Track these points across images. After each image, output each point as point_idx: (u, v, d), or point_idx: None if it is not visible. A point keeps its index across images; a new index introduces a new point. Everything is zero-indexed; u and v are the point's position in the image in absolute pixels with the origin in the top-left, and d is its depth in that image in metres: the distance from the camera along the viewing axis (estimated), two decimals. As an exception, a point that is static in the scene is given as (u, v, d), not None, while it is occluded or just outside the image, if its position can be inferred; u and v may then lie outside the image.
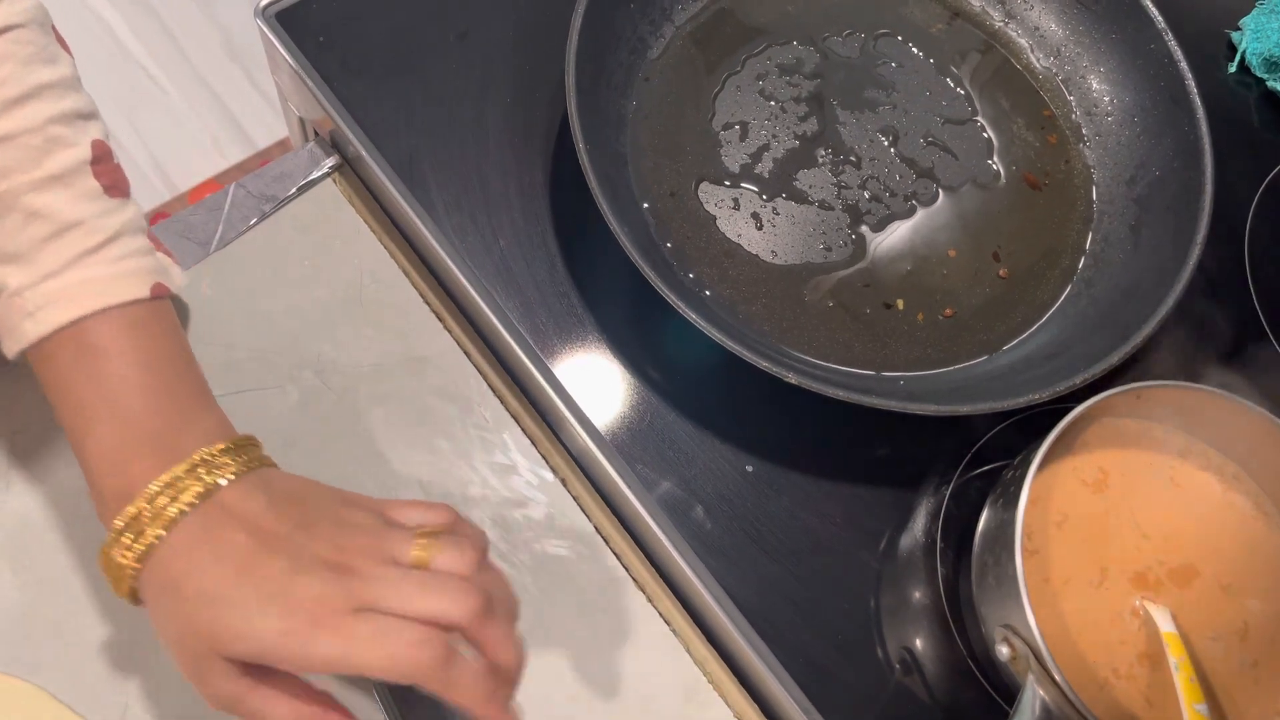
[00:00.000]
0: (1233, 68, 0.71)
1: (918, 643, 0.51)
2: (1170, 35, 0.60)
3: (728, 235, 0.57)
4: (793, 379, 0.48)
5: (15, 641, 0.46)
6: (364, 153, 0.56)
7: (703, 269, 0.56)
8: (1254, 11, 0.72)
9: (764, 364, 0.48)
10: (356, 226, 0.57)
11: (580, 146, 0.51)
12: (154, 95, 1.50)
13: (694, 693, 0.49)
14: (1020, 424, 0.55)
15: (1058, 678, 0.42)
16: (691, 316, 0.48)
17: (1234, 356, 0.61)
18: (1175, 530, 0.49)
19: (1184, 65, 0.59)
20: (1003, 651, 0.45)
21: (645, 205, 0.57)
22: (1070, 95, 0.65)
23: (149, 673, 0.46)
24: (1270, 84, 0.70)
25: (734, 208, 0.58)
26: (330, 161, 0.59)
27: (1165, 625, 0.46)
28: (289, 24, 0.59)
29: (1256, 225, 0.65)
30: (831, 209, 0.59)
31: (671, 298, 0.48)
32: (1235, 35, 0.72)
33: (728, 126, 0.60)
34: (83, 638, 0.46)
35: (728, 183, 0.59)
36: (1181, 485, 0.50)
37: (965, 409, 0.50)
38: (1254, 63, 0.70)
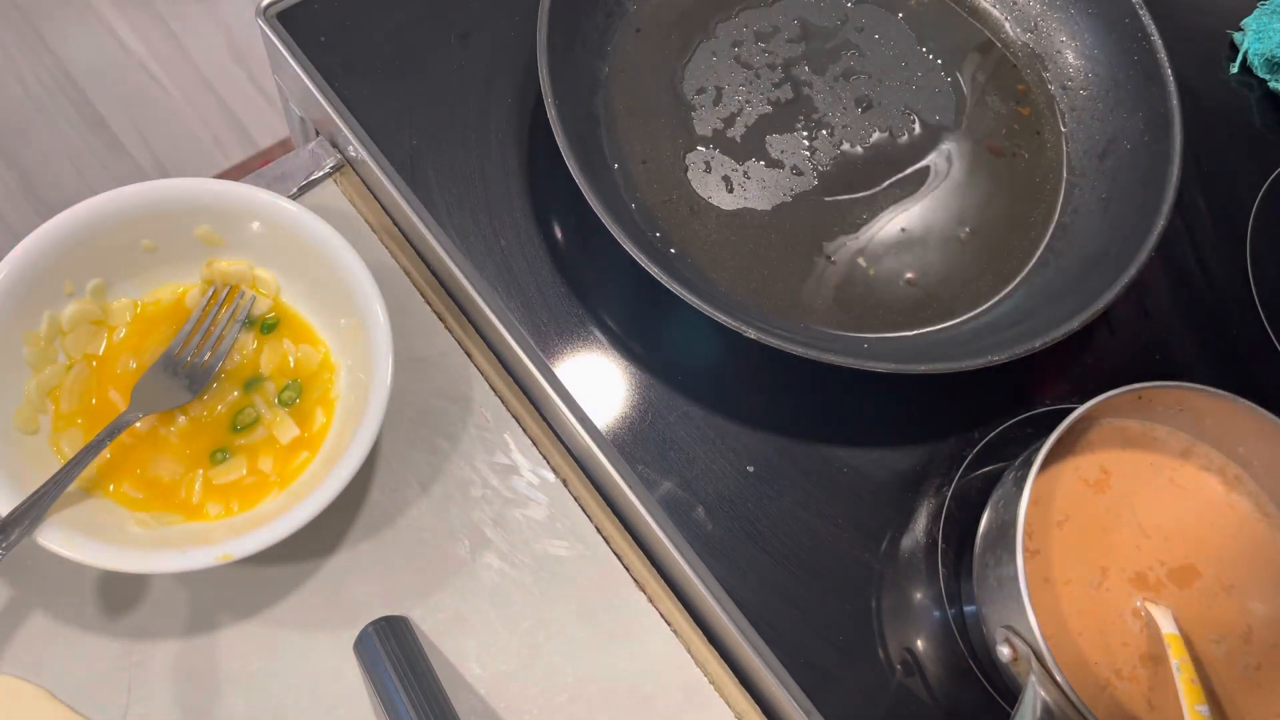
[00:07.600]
0: (1234, 68, 0.71)
1: (918, 643, 0.50)
2: (1144, 10, 0.60)
3: (699, 196, 0.58)
4: (751, 334, 0.48)
5: (15, 641, 0.46)
6: (365, 153, 0.56)
7: (671, 229, 0.56)
8: (1256, 12, 0.71)
9: (723, 318, 0.48)
10: (357, 226, 0.58)
11: (550, 103, 0.51)
12: (156, 95, 1.50)
13: (694, 693, 0.49)
14: (1022, 424, 0.55)
15: (1059, 678, 0.42)
16: (654, 270, 0.48)
17: (1236, 357, 0.61)
18: (1177, 531, 0.49)
19: (1157, 40, 0.60)
20: (1004, 652, 0.45)
21: (616, 166, 0.57)
22: (1045, 69, 0.65)
23: (149, 673, 0.46)
24: (1272, 84, 0.70)
25: (705, 170, 0.58)
26: (332, 161, 0.59)
27: (1167, 626, 0.46)
28: (290, 24, 0.59)
29: (1258, 226, 0.65)
30: (802, 174, 0.59)
31: (635, 252, 0.49)
32: (1237, 36, 0.72)
33: (701, 91, 0.61)
34: (83, 638, 0.46)
35: (700, 146, 0.59)
36: (1183, 486, 0.50)
37: (923, 368, 0.50)
38: (1256, 63, 0.70)
